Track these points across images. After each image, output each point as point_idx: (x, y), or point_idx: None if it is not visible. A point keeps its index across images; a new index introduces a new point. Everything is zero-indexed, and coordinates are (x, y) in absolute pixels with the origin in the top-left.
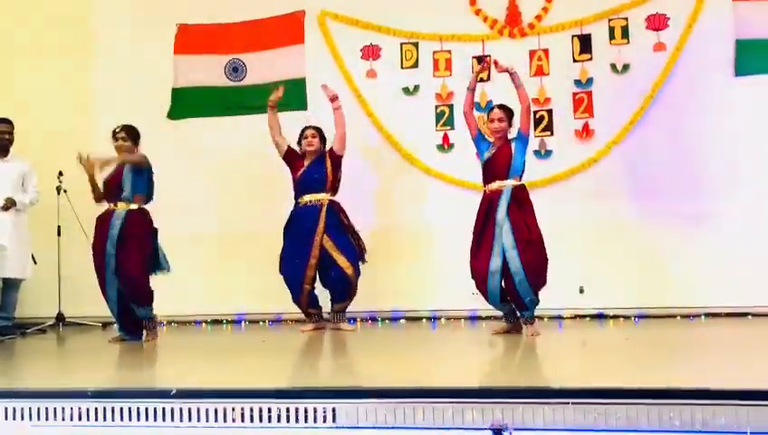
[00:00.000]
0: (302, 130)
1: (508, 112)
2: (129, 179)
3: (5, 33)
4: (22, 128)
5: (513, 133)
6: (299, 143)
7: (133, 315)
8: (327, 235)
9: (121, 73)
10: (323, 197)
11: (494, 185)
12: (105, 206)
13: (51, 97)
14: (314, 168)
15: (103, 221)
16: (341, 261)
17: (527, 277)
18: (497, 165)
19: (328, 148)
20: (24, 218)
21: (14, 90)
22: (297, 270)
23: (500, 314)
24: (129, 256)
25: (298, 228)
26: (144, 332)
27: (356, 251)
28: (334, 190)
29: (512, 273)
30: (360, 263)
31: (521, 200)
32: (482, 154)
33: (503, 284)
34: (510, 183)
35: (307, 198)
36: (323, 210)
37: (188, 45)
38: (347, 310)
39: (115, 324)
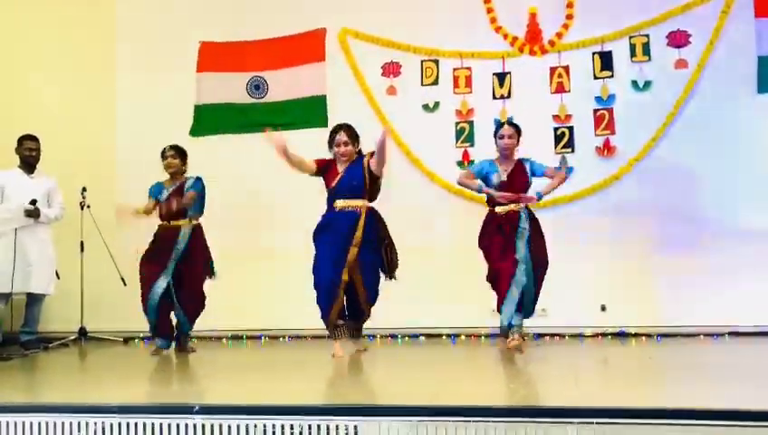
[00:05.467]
0: (333, 134)
1: (518, 129)
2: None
3: (31, 50)
4: (46, 144)
5: (518, 153)
6: (330, 148)
7: (170, 325)
8: (359, 249)
9: (144, 91)
10: (362, 203)
11: (511, 207)
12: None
13: (75, 114)
14: (351, 173)
15: (167, 236)
16: (360, 292)
17: (535, 285)
18: (513, 189)
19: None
20: (48, 235)
21: (38, 107)
22: (334, 275)
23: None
24: (195, 271)
25: (334, 233)
26: (182, 344)
27: (377, 278)
28: (372, 196)
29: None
30: (387, 278)
31: (535, 225)
32: (490, 176)
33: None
34: (523, 205)
35: (342, 203)
36: (362, 219)
37: (211, 63)
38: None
39: (144, 338)
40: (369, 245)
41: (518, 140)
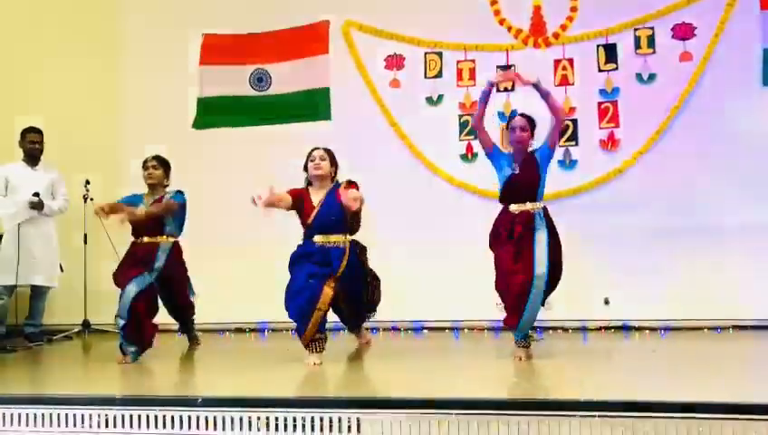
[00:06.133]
0: (310, 152)
1: (531, 122)
2: (172, 217)
3: (33, 44)
4: (49, 137)
5: (532, 145)
6: (305, 169)
7: (141, 329)
8: (342, 284)
9: (147, 84)
10: (343, 238)
11: (526, 207)
12: None
13: (78, 107)
14: (328, 206)
15: (143, 252)
16: (349, 316)
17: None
18: (525, 185)
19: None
20: (52, 227)
21: (41, 100)
22: (310, 290)
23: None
24: (181, 287)
25: (312, 262)
26: (192, 341)
27: (363, 305)
28: (353, 229)
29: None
30: (366, 313)
31: (551, 227)
32: (501, 169)
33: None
34: (540, 205)
35: (321, 239)
36: (345, 255)
37: (214, 55)
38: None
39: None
40: (353, 278)
41: (532, 134)
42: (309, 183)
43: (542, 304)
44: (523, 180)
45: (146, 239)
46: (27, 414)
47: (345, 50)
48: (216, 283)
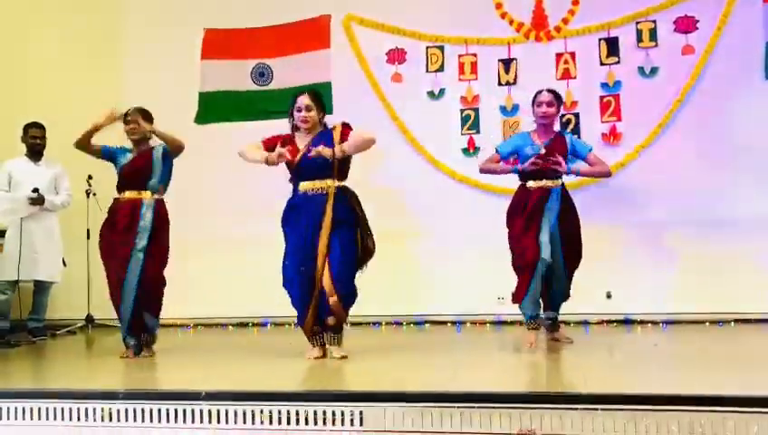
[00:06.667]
0: (294, 98)
1: (558, 98)
2: (160, 166)
3: (36, 38)
4: (51, 132)
5: (557, 123)
6: (290, 115)
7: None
8: (330, 236)
9: (149, 78)
10: (330, 183)
11: (542, 183)
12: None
13: (80, 101)
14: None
15: (125, 210)
16: (327, 285)
17: (566, 278)
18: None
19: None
20: (55, 222)
21: (44, 94)
22: (306, 271)
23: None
24: (159, 251)
25: (300, 222)
26: (145, 346)
27: (352, 270)
28: (343, 175)
29: (553, 279)
30: (357, 272)
31: (568, 202)
32: (523, 151)
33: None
34: (559, 182)
35: (306, 185)
36: (330, 200)
37: (215, 50)
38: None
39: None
40: (342, 225)
41: (558, 109)
42: (295, 127)
43: (566, 293)
44: (549, 156)
45: (128, 195)
46: (31, 408)
47: (346, 44)
48: (219, 276)
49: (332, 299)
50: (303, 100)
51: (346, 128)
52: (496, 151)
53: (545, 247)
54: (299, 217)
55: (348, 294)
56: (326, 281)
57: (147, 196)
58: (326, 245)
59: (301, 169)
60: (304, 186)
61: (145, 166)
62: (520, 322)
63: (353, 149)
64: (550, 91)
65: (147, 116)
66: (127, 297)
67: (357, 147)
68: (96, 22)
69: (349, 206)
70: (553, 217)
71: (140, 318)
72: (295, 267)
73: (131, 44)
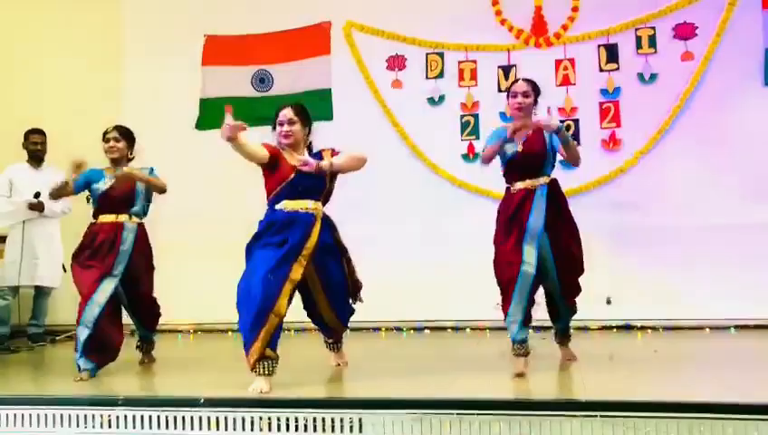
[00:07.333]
0: (277, 111)
1: (534, 86)
2: (143, 194)
3: (37, 44)
4: (52, 138)
5: (536, 114)
6: (273, 128)
7: (106, 340)
8: (317, 266)
9: (150, 84)
10: (317, 206)
11: (525, 184)
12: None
13: (81, 108)
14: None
15: (106, 233)
16: (328, 316)
17: (563, 295)
18: (529, 161)
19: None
20: (56, 228)
21: (45, 101)
22: (268, 290)
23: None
24: (146, 276)
25: (277, 240)
26: (145, 353)
27: (347, 296)
28: (327, 200)
29: (546, 284)
30: (352, 301)
31: (559, 203)
32: (505, 154)
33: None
34: (543, 180)
35: (293, 204)
36: (317, 224)
37: (216, 56)
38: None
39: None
40: (329, 257)
41: (535, 100)
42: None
43: (569, 307)
44: (527, 160)
45: (108, 218)
46: (30, 415)
47: (347, 51)
48: (219, 282)
49: (333, 322)
50: (286, 113)
51: (335, 152)
52: (486, 145)
53: (528, 257)
54: (278, 233)
55: (348, 320)
56: (325, 311)
57: (129, 220)
58: (301, 274)
59: (292, 186)
60: (290, 204)
61: (130, 191)
62: None
63: (344, 165)
64: (525, 80)
65: (127, 135)
66: (87, 319)
67: (348, 164)
68: (97, 29)
69: (333, 237)
70: (540, 220)
71: (102, 338)
72: (257, 289)
73: (133, 51)
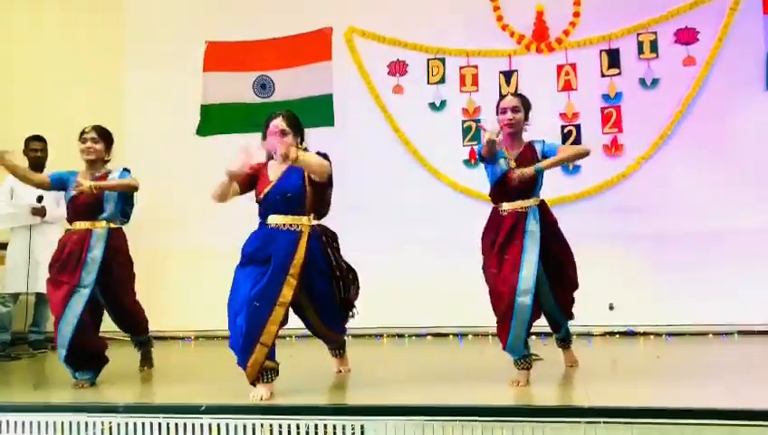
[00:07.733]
0: (267, 120)
1: (524, 100)
2: (114, 199)
3: (38, 51)
4: (53, 145)
5: (527, 130)
6: (264, 138)
7: (87, 352)
8: (302, 283)
9: (151, 91)
10: (303, 221)
11: (515, 205)
12: None
13: (82, 114)
14: (286, 180)
15: (73, 243)
16: (322, 331)
17: (562, 314)
18: (520, 182)
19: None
20: (56, 234)
21: (46, 108)
22: (254, 319)
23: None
24: (126, 285)
25: (262, 258)
26: (143, 355)
27: (337, 310)
28: (318, 213)
29: (545, 308)
30: (349, 314)
31: (551, 224)
32: (493, 172)
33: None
34: (533, 202)
35: (277, 219)
36: (303, 240)
37: (217, 62)
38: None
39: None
40: (315, 272)
41: (526, 115)
42: (270, 156)
43: (568, 318)
44: (519, 177)
45: (78, 226)
46: (31, 422)
47: (348, 56)
48: (220, 288)
49: (328, 335)
50: (277, 123)
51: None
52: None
53: (524, 285)
54: (263, 249)
55: (343, 328)
56: (319, 327)
57: (99, 226)
58: (291, 295)
59: (268, 202)
60: (275, 219)
61: (96, 198)
62: None
63: (311, 163)
64: (515, 94)
65: (105, 136)
66: (61, 341)
67: (314, 163)
68: (97, 35)
69: (323, 253)
70: (536, 247)
71: (82, 356)
72: (245, 300)
73: (134, 58)
